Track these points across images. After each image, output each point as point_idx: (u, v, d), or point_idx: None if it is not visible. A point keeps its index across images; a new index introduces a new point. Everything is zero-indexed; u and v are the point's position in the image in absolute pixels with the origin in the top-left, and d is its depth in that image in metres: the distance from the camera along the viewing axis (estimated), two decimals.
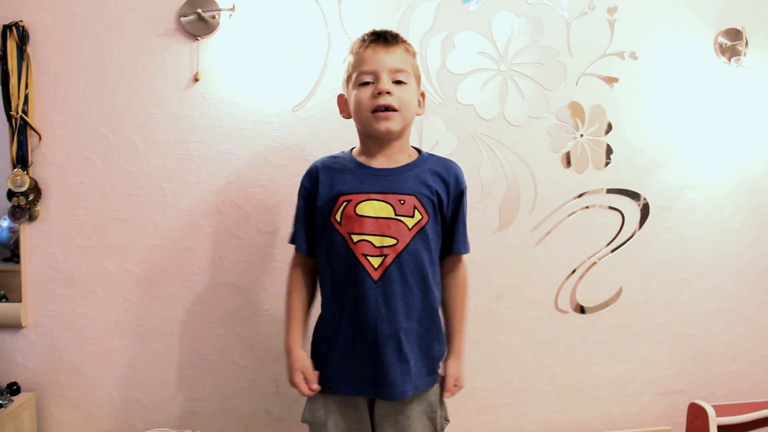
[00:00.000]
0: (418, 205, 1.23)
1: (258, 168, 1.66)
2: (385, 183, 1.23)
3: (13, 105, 1.53)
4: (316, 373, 1.26)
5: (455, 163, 1.33)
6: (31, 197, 1.57)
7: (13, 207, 1.56)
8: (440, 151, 1.72)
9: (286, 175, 1.65)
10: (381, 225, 1.21)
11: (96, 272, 1.63)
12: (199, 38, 1.61)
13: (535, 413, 1.86)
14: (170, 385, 1.68)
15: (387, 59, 1.22)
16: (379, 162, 1.26)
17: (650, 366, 1.91)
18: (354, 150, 1.32)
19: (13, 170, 1.55)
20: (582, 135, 1.82)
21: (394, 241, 1.20)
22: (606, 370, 1.89)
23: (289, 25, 1.65)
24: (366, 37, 1.25)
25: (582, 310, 1.86)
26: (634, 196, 1.86)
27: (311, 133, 1.68)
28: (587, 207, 1.84)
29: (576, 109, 1.80)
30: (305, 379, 1.24)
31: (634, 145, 1.84)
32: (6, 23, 1.53)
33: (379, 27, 1.29)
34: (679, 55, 1.85)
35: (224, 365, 1.69)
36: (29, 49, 1.55)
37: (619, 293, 1.88)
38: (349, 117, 1.29)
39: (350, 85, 1.26)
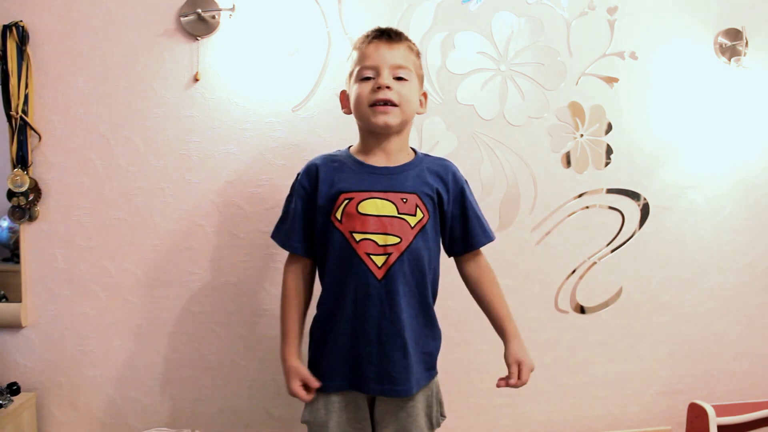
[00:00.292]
0: (419, 203, 1.23)
1: (258, 168, 1.66)
2: (386, 181, 1.23)
3: (13, 105, 1.53)
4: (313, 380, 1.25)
5: (450, 161, 1.34)
6: (31, 197, 1.57)
7: (13, 207, 1.56)
8: (440, 151, 1.73)
9: (286, 175, 1.65)
10: (384, 223, 1.21)
11: (96, 272, 1.63)
12: (199, 38, 1.61)
13: (535, 413, 1.86)
14: (170, 385, 1.68)
15: (389, 55, 1.22)
16: (379, 160, 1.26)
17: (650, 366, 1.91)
18: (351, 148, 1.32)
19: (13, 170, 1.55)
20: (582, 135, 1.82)
21: (398, 240, 1.21)
22: (606, 370, 1.89)
23: (289, 25, 1.65)
24: (370, 33, 1.26)
25: (582, 310, 1.86)
26: (634, 196, 1.86)
27: (311, 133, 1.68)
28: (587, 207, 1.84)
29: (576, 109, 1.80)
30: (303, 385, 1.24)
31: (634, 145, 1.84)
32: (6, 23, 1.53)
33: (393, 27, 1.29)
34: (679, 55, 1.85)
35: (224, 365, 1.69)
36: (29, 49, 1.55)
37: (619, 293, 1.88)
38: (350, 113, 1.30)
39: (352, 80, 1.27)
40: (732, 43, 1.86)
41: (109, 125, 1.61)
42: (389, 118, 1.22)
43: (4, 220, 1.59)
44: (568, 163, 1.82)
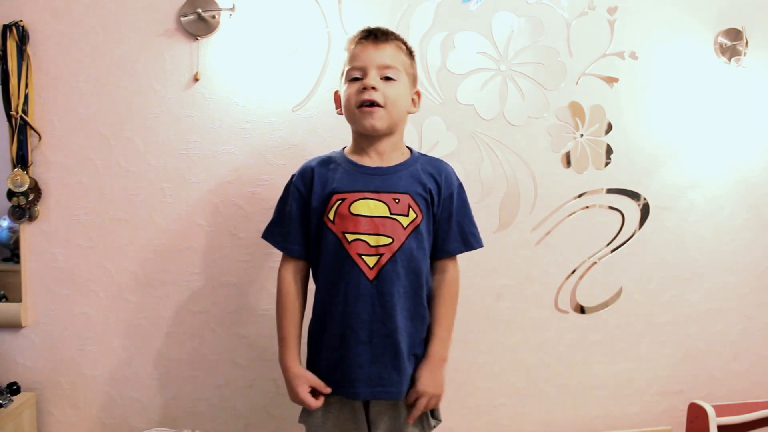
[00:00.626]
0: (412, 203, 1.23)
1: (258, 168, 1.66)
2: (378, 182, 1.23)
3: (13, 105, 1.53)
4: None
5: (446, 163, 1.33)
6: (31, 197, 1.57)
7: (13, 207, 1.56)
8: (440, 151, 1.73)
9: (286, 175, 1.63)
10: (376, 224, 1.20)
11: (96, 272, 1.63)
12: (199, 38, 1.61)
13: (535, 413, 1.86)
14: (170, 385, 1.68)
15: (375, 55, 1.22)
16: (372, 160, 1.26)
17: (650, 366, 1.91)
18: (346, 149, 1.32)
19: (13, 170, 1.55)
20: (582, 135, 1.82)
21: (390, 240, 1.20)
22: (606, 370, 1.89)
23: (289, 25, 1.65)
24: (358, 34, 1.26)
25: (582, 310, 1.86)
26: (634, 196, 1.86)
27: (311, 133, 1.68)
28: (587, 207, 1.84)
29: (576, 109, 1.80)
30: (311, 391, 1.22)
31: (634, 145, 1.84)
32: (6, 23, 1.53)
33: (383, 27, 1.29)
34: (679, 55, 1.85)
35: (224, 365, 1.69)
36: (29, 49, 1.55)
37: (619, 293, 1.88)
38: (342, 113, 1.30)
39: (342, 81, 1.27)
40: (732, 43, 1.86)
41: (109, 125, 1.61)
42: (375, 120, 1.21)
43: (4, 219, 1.59)
44: (568, 163, 1.82)
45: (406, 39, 1.32)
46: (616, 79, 1.82)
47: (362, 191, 1.22)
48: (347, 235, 1.20)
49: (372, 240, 1.20)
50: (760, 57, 1.89)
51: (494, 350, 1.82)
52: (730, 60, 1.87)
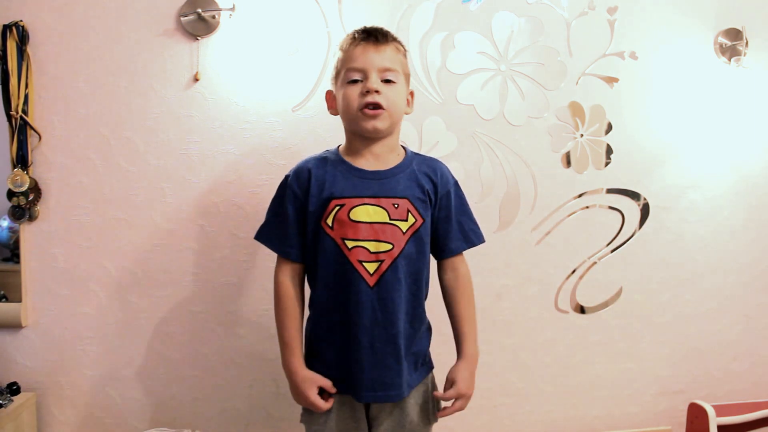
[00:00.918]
0: (411, 208, 1.22)
1: (258, 168, 1.66)
2: (377, 186, 1.22)
3: (13, 105, 1.53)
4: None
5: (441, 162, 1.32)
6: (31, 197, 1.57)
7: (13, 207, 1.56)
8: (440, 151, 1.73)
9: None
10: (376, 230, 1.19)
11: (96, 272, 1.63)
12: (199, 38, 1.61)
13: (535, 413, 1.86)
14: (170, 385, 1.68)
15: (376, 58, 1.21)
16: (368, 162, 1.25)
17: (650, 366, 1.92)
18: (341, 148, 1.30)
19: (13, 170, 1.55)
20: (582, 135, 1.82)
21: (390, 246, 1.20)
22: (606, 370, 1.89)
23: (289, 25, 1.65)
24: (356, 35, 1.24)
25: (582, 310, 1.86)
26: (634, 196, 1.86)
27: (311, 133, 1.68)
28: (587, 207, 1.84)
29: (576, 109, 1.81)
30: (319, 393, 1.22)
31: (634, 144, 1.84)
32: (6, 23, 1.53)
33: (379, 27, 1.28)
34: (679, 55, 1.85)
35: (224, 365, 1.69)
36: (29, 49, 1.55)
37: (619, 293, 1.88)
38: (336, 113, 1.28)
39: (339, 82, 1.25)
40: (732, 43, 1.86)
41: (109, 125, 1.61)
42: (378, 122, 1.20)
43: (4, 219, 1.59)
44: (568, 163, 1.82)
45: (403, 39, 1.31)
46: (616, 79, 1.82)
47: (361, 197, 1.20)
48: (347, 242, 1.19)
49: (372, 246, 1.19)
50: (760, 57, 1.89)
51: (494, 350, 1.82)
52: (730, 60, 1.87)
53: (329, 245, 1.21)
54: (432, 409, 1.30)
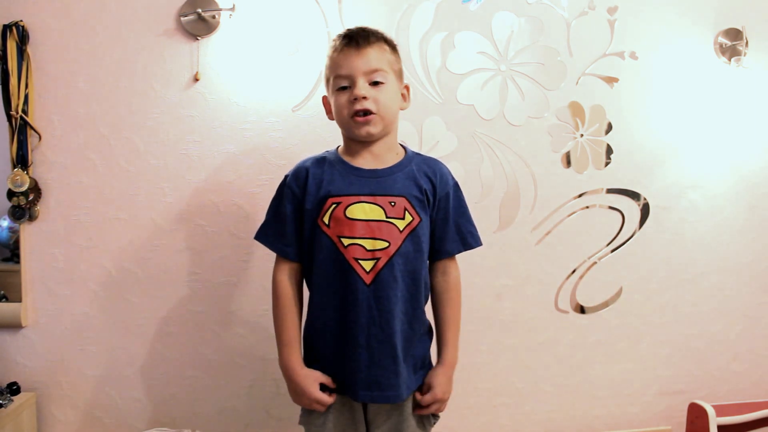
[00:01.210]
0: (408, 206, 1.22)
1: (258, 168, 1.66)
2: (374, 185, 1.22)
3: (13, 105, 1.53)
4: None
5: (441, 163, 1.32)
6: (31, 197, 1.57)
7: (13, 207, 1.56)
8: (440, 151, 1.73)
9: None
10: (372, 228, 1.19)
11: (96, 272, 1.63)
12: (199, 38, 1.61)
13: (535, 413, 1.86)
14: (170, 385, 1.68)
15: (360, 62, 1.19)
16: (367, 161, 1.25)
17: (650, 366, 1.91)
18: (340, 148, 1.30)
19: (13, 170, 1.55)
20: (582, 135, 1.82)
21: (386, 244, 1.19)
22: (606, 370, 1.89)
23: (289, 25, 1.65)
24: (338, 41, 1.23)
25: (582, 310, 1.86)
26: (634, 196, 1.86)
27: (311, 133, 1.68)
28: (587, 207, 1.84)
29: (576, 109, 1.81)
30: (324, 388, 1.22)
31: (634, 144, 1.84)
32: (6, 23, 1.53)
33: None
34: (679, 55, 1.85)
35: (224, 365, 1.69)
36: (29, 49, 1.55)
37: (619, 293, 1.88)
38: (333, 119, 1.28)
39: (329, 89, 1.25)
40: (732, 43, 1.86)
41: (109, 125, 1.61)
42: (370, 127, 1.20)
43: (4, 219, 1.59)
44: (568, 163, 1.82)
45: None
46: (616, 79, 1.82)
47: (357, 194, 1.20)
48: (343, 240, 1.19)
49: (368, 244, 1.19)
50: (760, 57, 1.89)
51: (494, 350, 1.82)
52: (730, 60, 1.87)
53: (326, 243, 1.21)
54: (428, 414, 1.29)
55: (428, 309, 1.30)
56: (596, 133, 1.82)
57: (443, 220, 1.28)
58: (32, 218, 1.59)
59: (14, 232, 1.60)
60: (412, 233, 1.22)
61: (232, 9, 1.61)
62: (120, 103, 1.61)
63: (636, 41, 1.82)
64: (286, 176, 1.29)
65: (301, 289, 1.30)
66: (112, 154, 1.62)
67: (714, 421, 1.73)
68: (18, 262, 1.59)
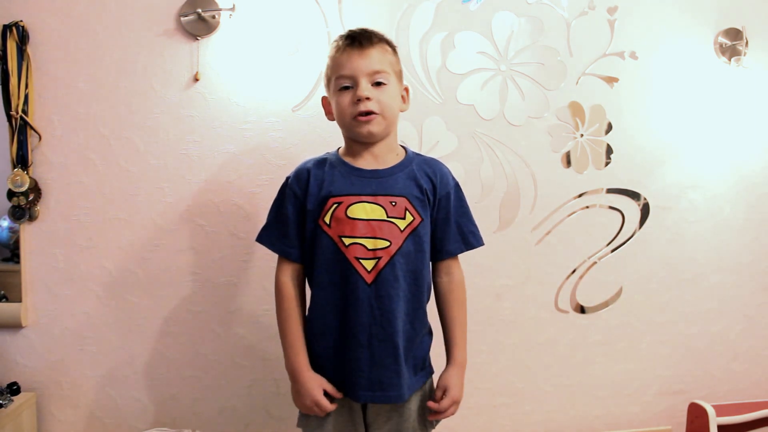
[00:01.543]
0: (409, 206, 1.22)
1: (258, 168, 1.66)
2: (375, 185, 1.22)
3: (13, 105, 1.53)
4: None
5: (442, 163, 1.32)
6: (31, 197, 1.57)
7: (13, 207, 1.56)
8: (440, 151, 1.73)
9: (286, 175, 1.64)
10: (373, 227, 1.19)
11: (96, 272, 1.63)
12: (199, 38, 1.61)
13: (535, 413, 1.86)
14: (170, 385, 1.68)
15: (363, 63, 1.20)
16: (367, 162, 1.25)
17: (650, 366, 1.92)
18: (340, 150, 1.30)
19: (13, 170, 1.55)
20: (582, 135, 1.82)
21: (387, 244, 1.20)
22: (606, 370, 1.89)
23: (289, 25, 1.65)
24: (341, 41, 1.23)
25: (582, 310, 1.86)
26: (634, 196, 1.86)
27: (311, 133, 1.68)
28: (587, 207, 1.84)
29: (576, 109, 1.81)
30: (326, 395, 1.22)
31: (634, 144, 1.84)
32: (6, 23, 1.53)
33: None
34: (679, 55, 1.85)
35: (224, 365, 1.69)
36: (29, 49, 1.55)
37: (619, 293, 1.88)
38: (333, 119, 1.28)
39: (330, 89, 1.25)
40: (732, 43, 1.86)
41: (109, 125, 1.61)
42: (373, 127, 1.21)
43: (4, 220, 1.59)
44: (568, 163, 1.82)
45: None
46: (616, 79, 1.82)
47: (358, 194, 1.21)
48: (344, 239, 1.19)
49: (369, 243, 1.19)
50: (760, 57, 1.89)
51: (494, 350, 1.83)
52: (730, 60, 1.87)
53: (327, 243, 1.21)
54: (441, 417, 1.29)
55: (430, 310, 1.30)
56: (596, 133, 1.82)
57: (444, 220, 1.28)
58: (32, 218, 1.59)
59: (14, 232, 1.60)
60: (413, 233, 1.22)
61: (232, 9, 1.61)
62: (120, 103, 1.61)
63: (636, 41, 1.82)
64: (287, 178, 1.30)
65: (304, 290, 1.30)
66: (112, 154, 1.62)
67: (714, 421, 1.73)
68: (18, 262, 1.60)
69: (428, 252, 1.26)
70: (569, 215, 1.83)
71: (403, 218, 1.21)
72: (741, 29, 1.85)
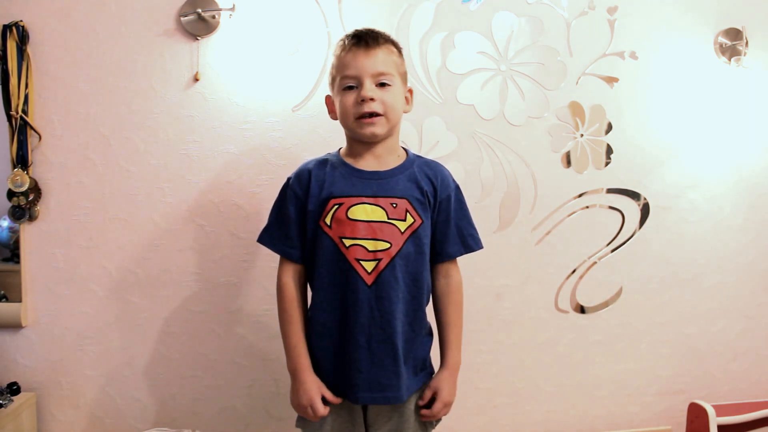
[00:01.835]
0: (409, 208, 1.22)
1: (258, 168, 1.66)
2: (376, 186, 1.22)
3: (13, 105, 1.53)
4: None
5: (443, 165, 1.32)
6: (31, 197, 1.57)
7: (13, 207, 1.56)
8: (440, 151, 1.73)
9: (286, 175, 1.64)
10: (374, 229, 1.19)
11: (96, 272, 1.63)
12: (199, 38, 1.61)
13: (535, 413, 1.86)
14: (170, 385, 1.68)
15: (368, 63, 1.20)
16: (369, 163, 1.25)
17: (650, 366, 1.91)
18: (342, 150, 1.30)
19: (13, 170, 1.55)
20: (582, 135, 1.82)
21: (388, 245, 1.20)
22: (606, 370, 1.89)
23: (289, 25, 1.65)
24: (347, 40, 1.23)
25: (582, 310, 1.86)
26: (634, 196, 1.86)
27: (311, 133, 1.68)
28: (587, 207, 1.84)
29: (576, 109, 1.81)
30: (322, 399, 1.22)
31: (634, 144, 1.84)
32: (6, 23, 1.53)
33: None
34: (679, 55, 1.85)
35: (224, 365, 1.69)
36: (29, 49, 1.55)
37: (619, 293, 1.88)
38: (337, 118, 1.28)
39: (335, 89, 1.25)
40: (732, 43, 1.86)
41: (109, 125, 1.61)
42: (376, 128, 1.21)
43: (4, 220, 1.59)
44: (568, 163, 1.82)
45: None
46: (616, 79, 1.82)
47: (359, 196, 1.21)
48: (345, 240, 1.20)
49: (370, 245, 1.19)
50: (760, 57, 1.89)
51: (494, 350, 1.82)
52: (730, 60, 1.87)
53: (327, 244, 1.21)
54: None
55: (429, 311, 1.30)
56: (596, 133, 1.82)
57: (444, 222, 1.28)
58: (32, 218, 1.59)
59: (14, 232, 1.60)
60: (414, 234, 1.22)
61: (232, 9, 1.61)
62: (120, 103, 1.61)
63: (636, 41, 1.82)
64: (288, 178, 1.30)
65: (306, 290, 1.30)
66: (112, 154, 1.62)
67: (714, 421, 1.73)
68: (18, 262, 1.60)
69: (428, 254, 1.26)
70: (569, 215, 1.83)
71: (404, 220, 1.21)
72: (741, 29, 1.85)
